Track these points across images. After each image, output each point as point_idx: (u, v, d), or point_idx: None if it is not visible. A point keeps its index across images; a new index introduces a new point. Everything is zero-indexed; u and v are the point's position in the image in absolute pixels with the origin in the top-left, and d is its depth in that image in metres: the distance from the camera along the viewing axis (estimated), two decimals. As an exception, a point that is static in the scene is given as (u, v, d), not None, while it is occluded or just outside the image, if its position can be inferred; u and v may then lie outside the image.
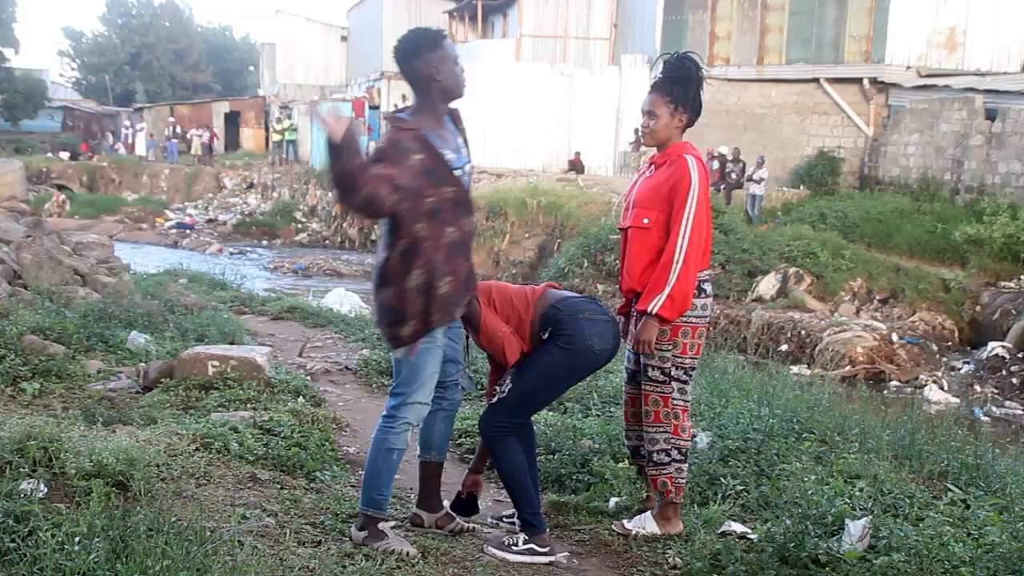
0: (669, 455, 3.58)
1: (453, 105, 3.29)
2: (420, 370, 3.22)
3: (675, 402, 3.59)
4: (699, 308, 3.55)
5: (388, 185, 3.00)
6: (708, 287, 3.60)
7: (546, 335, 3.44)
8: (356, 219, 24.76)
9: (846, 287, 14.30)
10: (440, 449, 3.57)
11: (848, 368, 11.81)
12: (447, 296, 3.17)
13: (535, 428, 3.95)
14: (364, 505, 3.28)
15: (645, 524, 3.63)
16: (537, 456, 3.87)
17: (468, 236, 3.25)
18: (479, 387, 5.41)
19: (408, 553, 3.18)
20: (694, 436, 4.59)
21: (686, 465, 3.64)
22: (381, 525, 3.26)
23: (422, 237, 3.09)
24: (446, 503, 3.69)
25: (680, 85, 3.59)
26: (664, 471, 3.58)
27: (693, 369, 3.63)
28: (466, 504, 3.77)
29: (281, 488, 3.74)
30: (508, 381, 3.47)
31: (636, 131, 24.11)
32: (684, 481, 3.64)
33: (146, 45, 56.30)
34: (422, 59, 3.14)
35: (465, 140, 3.32)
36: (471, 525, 3.66)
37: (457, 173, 3.20)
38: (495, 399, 3.50)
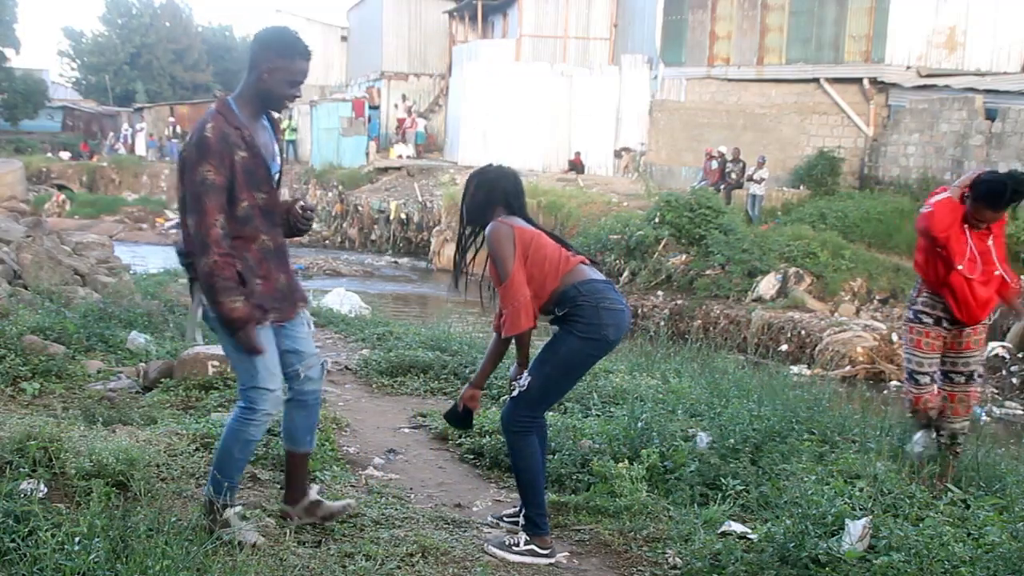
0: None
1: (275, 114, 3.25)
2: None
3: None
4: None
5: (216, 213, 2.99)
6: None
7: (561, 312, 3.41)
8: (355, 219, 24.78)
9: (846, 287, 14.30)
10: (298, 441, 3.40)
11: (848, 368, 11.81)
12: (259, 298, 3.11)
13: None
14: (210, 491, 3.13)
15: None
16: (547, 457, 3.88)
17: (281, 248, 3.19)
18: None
19: (255, 543, 3.05)
20: (694, 436, 4.60)
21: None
22: (227, 513, 3.11)
23: (238, 237, 3.06)
24: (315, 487, 3.55)
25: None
26: None
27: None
28: (462, 416, 3.75)
29: (281, 488, 3.74)
30: (527, 375, 3.46)
31: (621, 150, 24.36)
32: None
33: (146, 45, 56.28)
34: (268, 56, 3.07)
35: (281, 148, 3.28)
36: (342, 504, 3.47)
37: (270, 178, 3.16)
38: (515, 392, 3.47)
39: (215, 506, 3.08)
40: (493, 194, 3.52)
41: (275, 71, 3.06)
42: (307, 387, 3.33)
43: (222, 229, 2.99)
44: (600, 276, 3.52)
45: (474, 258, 3.62)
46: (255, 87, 3.11)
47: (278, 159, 3.22)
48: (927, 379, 4.45)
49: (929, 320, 4.47)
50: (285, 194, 3.47)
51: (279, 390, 3.17)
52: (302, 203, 3.34)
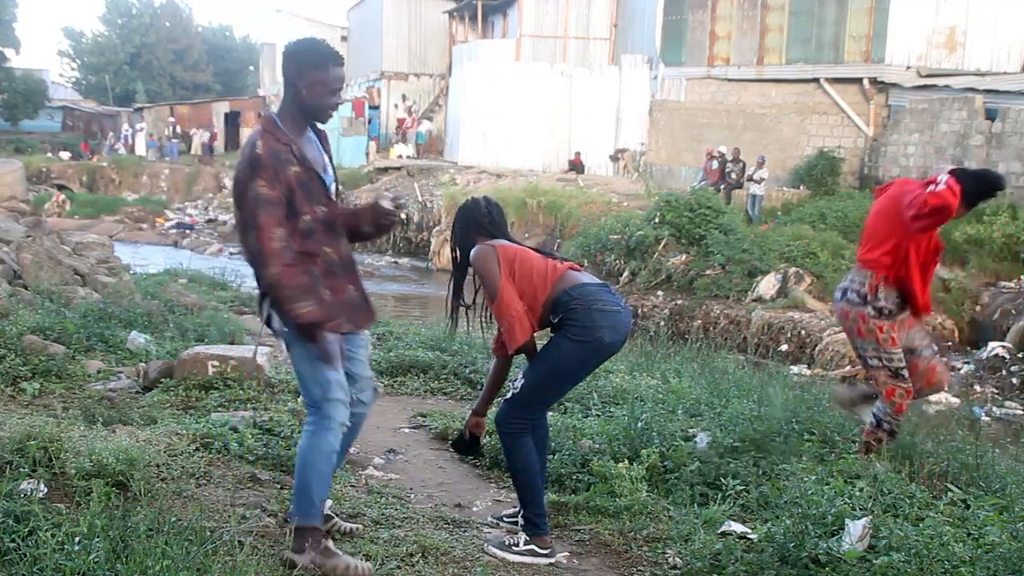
0: None
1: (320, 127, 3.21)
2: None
3: None
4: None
5: (274, 228, 2.91)
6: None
7: (556, 320, 3.43)
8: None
9: (846, 287, 14.27)
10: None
11: (848, 368, 11.80)
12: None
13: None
14: (303, 518, 3.03)
15: None
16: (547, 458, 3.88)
17: (346, 258, 3.12)
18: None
19: (363, 569, 2.98)
20: (694, 436, 4.60)
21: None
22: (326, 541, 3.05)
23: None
24: (328, 503, 3.49)
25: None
26: None
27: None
28: (469, 443, 3.84)
29: (281, 488, 3.75)
30: (521, 376, 3.48)
31: (618, 152, 24.31)
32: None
33: (146, 45, 56.29)
34: (301, 71, 3.05)
35: (330, 159, 3.24)
36: (354, 526, 3.46)
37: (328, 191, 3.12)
38: (508, 395, 3.50)
39: (309, 531, 2.99)
40: (468, 226, 3.62)
41: (312, 85, 3.04)
42: (357, 409, 3.27)
43: (282, 242, 2.91)
44: (593, 280, 3.53)
45: (474, 300, 3.67)
46: (296, 103, 3.08)
47: (330, 170, 3.18)
48: (907, 372, 4.41)
49: (893, 314, 4.41)
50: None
51: (348, 401, 3.11)
52: (389, 195, 3.30)
